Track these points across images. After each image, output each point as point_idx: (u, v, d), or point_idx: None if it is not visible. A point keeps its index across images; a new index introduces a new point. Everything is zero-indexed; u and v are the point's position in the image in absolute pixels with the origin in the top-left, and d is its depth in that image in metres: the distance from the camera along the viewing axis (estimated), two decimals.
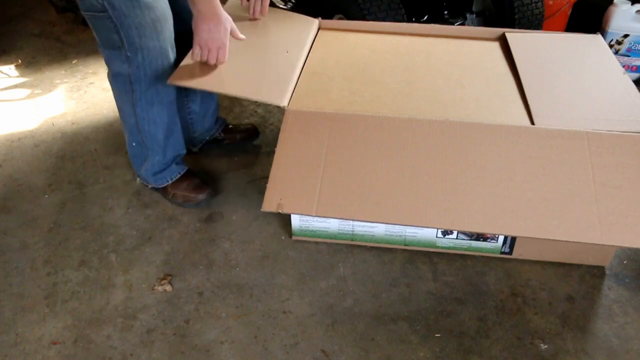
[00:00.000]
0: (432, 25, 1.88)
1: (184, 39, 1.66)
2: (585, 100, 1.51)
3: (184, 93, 1.77)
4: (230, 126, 1.99)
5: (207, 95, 1.83)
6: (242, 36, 1.56)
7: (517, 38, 1.77)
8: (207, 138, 1.94)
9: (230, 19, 1.49)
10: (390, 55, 1.73)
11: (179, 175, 1.72)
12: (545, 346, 1.29)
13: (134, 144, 1.65)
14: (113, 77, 1.53)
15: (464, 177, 1.36)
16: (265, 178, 1.42)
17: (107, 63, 1.51)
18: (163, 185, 1.72)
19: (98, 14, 1.38)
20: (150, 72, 1.48)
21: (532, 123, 1.42)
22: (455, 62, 1.69)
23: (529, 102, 1.48)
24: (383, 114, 1.45)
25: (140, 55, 1.44)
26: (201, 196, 1.71)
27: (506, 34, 1.79)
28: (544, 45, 1.76)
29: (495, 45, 1.79)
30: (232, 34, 1.51)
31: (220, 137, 1.96)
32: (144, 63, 1.45)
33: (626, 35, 2.27)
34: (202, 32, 1.44)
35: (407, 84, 1.58)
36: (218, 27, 1.44)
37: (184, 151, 1.73)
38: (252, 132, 2.01)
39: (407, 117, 1.43)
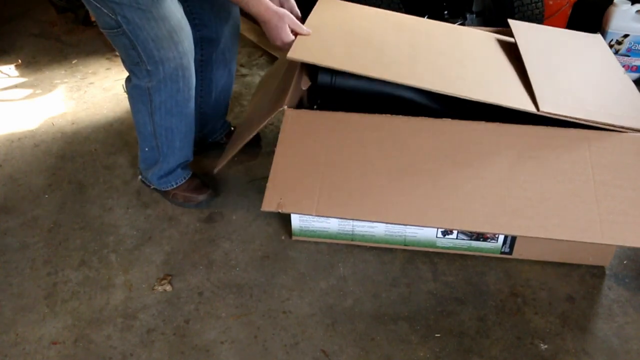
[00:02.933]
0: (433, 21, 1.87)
1: (209, 43, 1.68)
2: (585, 99, 1.51)
3: (199, 94, 1.78)
4: (233, 128, 1.99)
5: (221, 98, 1.84)
6: (305, 30, 1.50)
7: (520, 26, 1.74)
8: (210, 140, 1.94)
9: (285, 15, 1.45)
10: (393, 30, 1.67)
11: (184, 181, 1.72)
12: (545, 346, 1.29)
13: (146, 149, 1.65)
14: (132, 87, 1.51)
15: (464, 177, 1.36)
16: (265, 178, 1.42)
17: (129, 75, 1.51)
18: (167, 189, 1.72)
19: (113, 31, 1.36)
20: (171, 84, 1.47)
21: (537, 107, 1.38)
22: (456, 45, 1.65)
23: (534, 86, 1.45)
24: (384, 77, 1.41)
25: (162, 68, 1.42)
26: (201, 197, 1.71)
27: (509, 21, 1.75)
28: (547, 35, 1.74)
29: (495, 36, 1.77)
30: (294, 29, 1.49)
31: (223, 141, 1.96)
32: (165, 75, 1.44)
33: (626, 35, 2.27)
34: (265, 33, 1.48)
35: (410, 58, 1.53)
36: (268, 28, 1.46)
37: (192, 158, 1.73)
38: (255, 138, 1.96)
39: (407, 117, 1.43)
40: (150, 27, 1.34)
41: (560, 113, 1.38)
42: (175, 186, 1.71)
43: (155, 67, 1.42)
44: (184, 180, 1.72)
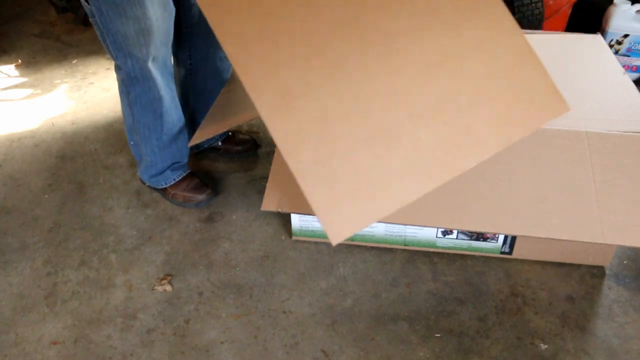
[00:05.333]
0: None
1: (197, 51, 1.68)
2: (585, 100, 1.51)
3: (191, 102, 1.79)
4: (230, 134, 1.96)
5: None
6: None
7: None
8: (206, 146, 1.93)
9: None
10: None
11: (173, 182, 1.71)
12: (545, 346, 1.29)
13: (132, 142, 1.67)
14: (116, 72, 1.54)
15: (464, 177, 1.35)
16: (265, 178, 1.42)
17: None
18: (160, 188, 1.72)
19: (91, 19, 1.41)
20: (143, 81, 1.49)
21: None
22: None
23: None
24: None
25: (130, 63, 1.45)
26: (201, 196, 1.71)
27: None
28: (543, 45, 1.75)
29: None
30: None
31: (219, 146, 1.95)
32: (134, 71, 1.47)
33: (626, 35, 2.26)
34: None
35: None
36: None
37: (185, 159, 1.73)
38: (251, 145, 1.95)
39: None
40: (120, 23, 1.36)
41: (556, 128, 1.39)
42: (166, 185, 1.71)
43: (124, 62, 1.45)
44: (173, 182, 1.71)
